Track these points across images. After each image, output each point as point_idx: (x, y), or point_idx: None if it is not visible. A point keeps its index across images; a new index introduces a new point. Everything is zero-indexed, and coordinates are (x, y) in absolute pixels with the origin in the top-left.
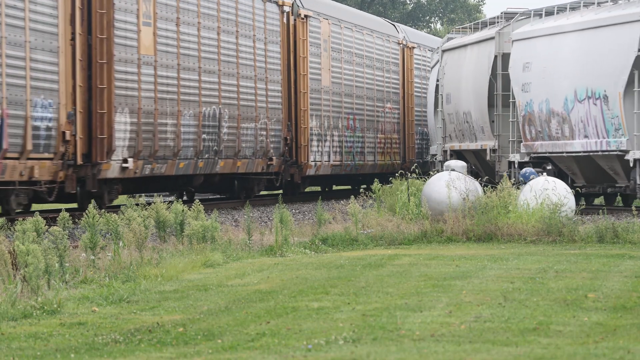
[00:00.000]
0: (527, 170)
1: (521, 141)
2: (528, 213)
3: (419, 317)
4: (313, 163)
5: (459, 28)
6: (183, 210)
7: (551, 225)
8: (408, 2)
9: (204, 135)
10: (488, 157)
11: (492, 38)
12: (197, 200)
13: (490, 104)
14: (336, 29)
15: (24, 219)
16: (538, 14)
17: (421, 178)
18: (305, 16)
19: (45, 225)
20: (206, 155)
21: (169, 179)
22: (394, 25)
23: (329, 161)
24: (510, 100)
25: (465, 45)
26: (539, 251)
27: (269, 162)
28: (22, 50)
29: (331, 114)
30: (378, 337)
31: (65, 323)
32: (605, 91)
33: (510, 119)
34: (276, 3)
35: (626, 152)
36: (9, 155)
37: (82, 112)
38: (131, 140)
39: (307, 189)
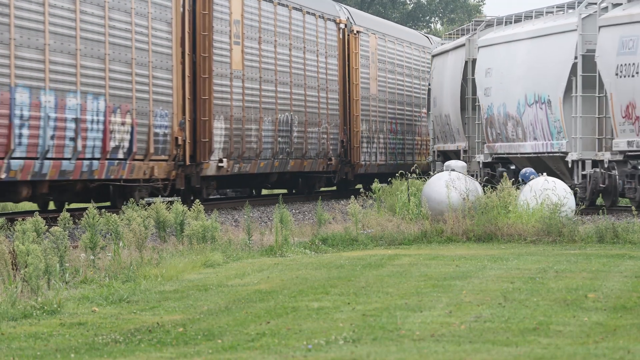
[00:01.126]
0: (527, 170)
1: (485, 142)
2: (528, 213)
3: (419, 317)
4: (364, 162)
5: (448, 34)
6: (183, 211)
7: (551, 226)
8: (408, 2)
9: (279, 139)
10: (461, 157)
11: (464, 45)
12: (197, 201)
13: (463, 107)
14: (381, 42)
15: (23, 219)
16: (502, 22)
17: (421, 178)
18: (357, 32)
19: (45, 225)
20: (280, 156)
21: (251, 176)
22: (427, 37)
23: (376, 161)
24: (476, 103)
25: (447, 52)
26: (539, 251)
27: (328, 162)
28: (146, 69)
29: (377, 118)
30: (378, 337)
31: (65, 323)
32: (549, 96)
33: (476, 122)
34: (334, 21)
35: (566, 153)
36: (136, 157)
37: (190, 120)
38: (225, 143)
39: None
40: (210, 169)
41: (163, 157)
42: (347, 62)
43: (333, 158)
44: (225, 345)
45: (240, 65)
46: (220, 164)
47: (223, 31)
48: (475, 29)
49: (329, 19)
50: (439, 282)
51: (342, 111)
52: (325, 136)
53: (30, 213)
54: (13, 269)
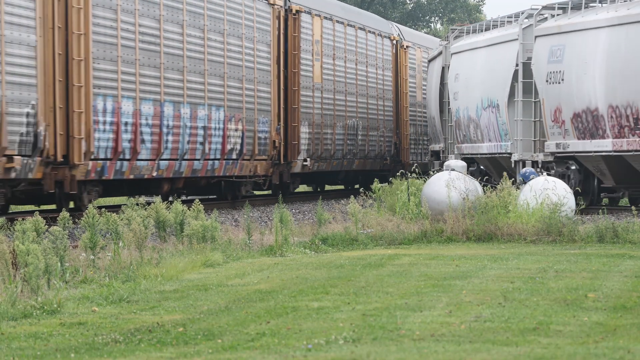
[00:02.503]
0: (527, 170)
1: (455, 143)
2: (528, 213)
3: (419, 317)
4: (412, 162)
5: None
6: (183, 210)
7: (551, 225)
8: (408, 2)
9: (348, 141)
10: (440, 157)
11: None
12: (197, 200)
13: (442, 110)
14: (425, 54)
15: (23, 219)
16: (470, 30)
17: (421, 178)
18: (407, 46)
19: (45, 225)
20: (348, 157)
21: (324, 174)
22: None
23: (422, 160)
24: (448, 107)
25: (434, 57)
26: (539, 251)
27: (384, 162)
28: (252, 84)
29: (422, 122)
30: (378, 337)
31: (65, 323)
32: (497, 100)
33: (449, 124)
34: (389, 38)
35: (511, 154)
36: (245, 157)
37: (283, 126)
38: (308, 145)
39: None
40: (297, 167)
41: (264, 157)
42: (398, 73)
43: (388, 158)
44: (225, 345)
45: (320, 79)
46: (304, 163)
47: (307, 50)
48: (457, 36)
49: (385, 36)
50: (439, 282)
51: (395, 117)
52: (382, 139)
53: (30, 213)
54: (13, 269)
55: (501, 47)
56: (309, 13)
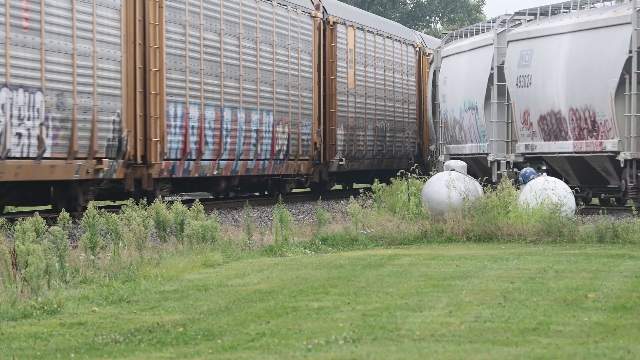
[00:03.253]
0: (527, 170)
1: (444, 144)
2: (528, 213)
3: (419, 317)
4: None
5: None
6: (183, 211)
7: (551, 225)
8: (408, 2)
9: (378, 142)
10: (432, 157)
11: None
12: (197, 200)
13: (435, 112)
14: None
15: (23, 219)
16: (459, 35)
17: (421, 178)
18: (429, 54)
19: (45, 225)
20: (378, 157)
21: (356, 173)
22: None
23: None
24: (438, 109)
25: (431, 61)
26: (539, 251)
27: (409, 161)
28: (297, 90)
29: None
30: (378, 337)
31: (65, 323)
32: (476, 103)
33: (439, 125)
34: (412, 46)
35: (487, 154)
36: (290, 157)
37: (322, 128)
38: (343, 146)
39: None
40: (334, 167)
41: (306, 157)
42: (420, 79)
43: (412, 158)
44: (225, 345)
45: (353, 84)
46: (340, 163)
47: (342, 58)
48: (447, 40)
49: (409, 44)
50: (439, 282)
51: (418, 119)
52: (407, 140)
53: (30, 213)
54: (13, 269)
55: (480, 51)
56: (344, 24)
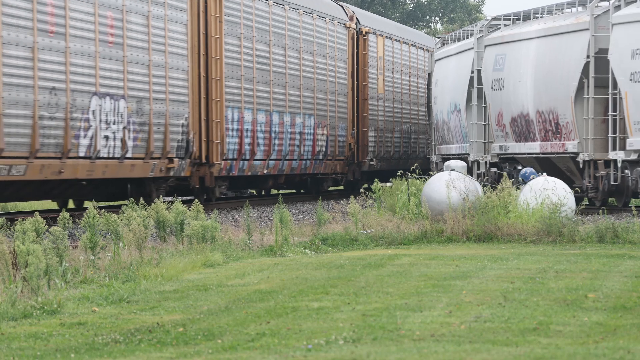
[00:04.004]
0: (527, 170)
1: (435, 144)
2: (528, 213)
3: (419, 317)
4: None
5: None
6: (183, 211)
7: (551, 225)
8: (408, 2)
9: (403, 144)
10: (427, 157)
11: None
12: (197, 201)
13: (429, 114)
14: None
15: (23, 219)
16: (451, 39)
17: (421, 178)
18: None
19: (45, 225)
20: (404, 157)
21: (385, 172)
22: None
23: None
24: (431, 110)
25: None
26: (539, 251)
27: (430, 161)
28: (334, 95)
29: None
30: (378, 337)
31: (65, 323)
32: (460, 105)
33: (432, 126)
34: (428, 51)
35: (468, 154)
36: (328, 158)
37: (355, 131)
38: (374, 147)
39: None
40: (365, 166)
41: (342, 157)
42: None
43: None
44: (225, 345)
45: (382, 90)
46: (371, 162)
47: (373, 65)
48: (442, 44)
49: (426, 50)
50: (439, 282)
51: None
52: (424, 142)
53: (30, 213)
54: (13, 269)
55: (464, 55)
56: (375, 34)
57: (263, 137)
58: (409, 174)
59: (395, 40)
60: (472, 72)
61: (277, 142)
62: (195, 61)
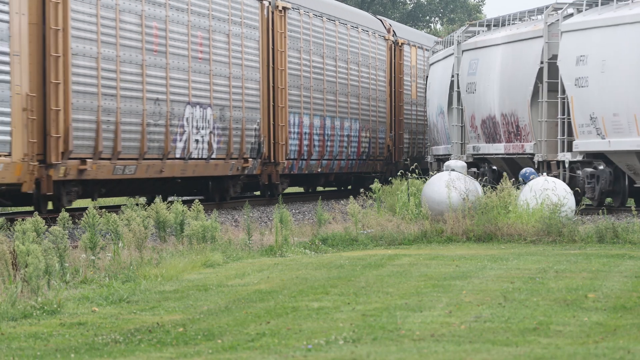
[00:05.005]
0: (527, 170)
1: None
2: (528, 213)
3: (419, 317)
4: None
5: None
6: (183, 211)
7: (551, 226)
8: (408, 2)
9: (417, 144)
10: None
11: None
12: (197, 201)
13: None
14: None
15: (23, 219)
16: (447, 43)
17: (421, 178)
18: None
19: (45, 225)
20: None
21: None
22: None
23: None
24: (426, 113)
25: None
26: (539, 251)
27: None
28: (375, 102)
29: None
30: (378, 337)
31: (65, 323)
32: (443, 108)
33: (428, 128)
34: None
35: (449, 155)
36: (370, 158)
37: (393, 134)
38: (407, 148)
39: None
40: (401, 165)
41: (381, 158)
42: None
43: None
44: (225, 345)
45: (415, 96)
46: (406, 162)
47: (407, 73)
48: (435, 49)
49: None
50: (439, 282)
51: None
52: None
53: (30, 213)
54: (13, 269)
55: (448, 60)
56: (409, 44)
57: (318, 140)
58: (409, 174)
59: (426, 50)
60: (453, 76)
61: (329, 143)
62: (265, 72)
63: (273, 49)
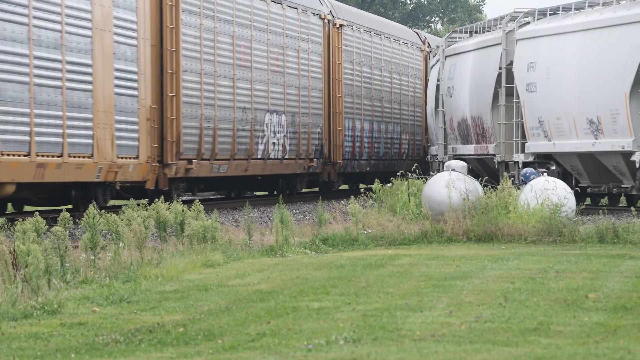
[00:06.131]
0: (528, 170)
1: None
2: (528, 213)
3: (419, 317)
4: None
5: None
6: (183, 211)
7: (551, 226)
8: (408, 2)
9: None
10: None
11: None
12: (197, 201)
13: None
14: None
15: (23, 219)
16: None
17: (421, 178)
18: None
19: (45, 225)
20: None
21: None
22: None
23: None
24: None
25: None
26: (540, 251)
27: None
28: (413, 107)
29: None
30: (378, 337)
31: (66, 323)
32: (432, 110)
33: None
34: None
35: (437, 156)
36: (408, 158)
37: (427, 135)
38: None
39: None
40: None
41: (417, 158)
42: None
43: None
44: (225, 345)
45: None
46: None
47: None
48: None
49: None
50: (440, 282)
51: None
52: None
53: (30, 213)
54: (13, 269)
55: (438, 64)
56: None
57: (367, 142)
58: (409, 174)
59: None
60: (439, 80)
61: (376, 145)
62: (326, 82)
63: (331, 62)
